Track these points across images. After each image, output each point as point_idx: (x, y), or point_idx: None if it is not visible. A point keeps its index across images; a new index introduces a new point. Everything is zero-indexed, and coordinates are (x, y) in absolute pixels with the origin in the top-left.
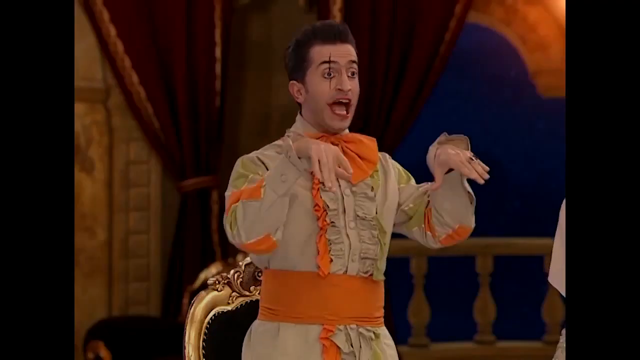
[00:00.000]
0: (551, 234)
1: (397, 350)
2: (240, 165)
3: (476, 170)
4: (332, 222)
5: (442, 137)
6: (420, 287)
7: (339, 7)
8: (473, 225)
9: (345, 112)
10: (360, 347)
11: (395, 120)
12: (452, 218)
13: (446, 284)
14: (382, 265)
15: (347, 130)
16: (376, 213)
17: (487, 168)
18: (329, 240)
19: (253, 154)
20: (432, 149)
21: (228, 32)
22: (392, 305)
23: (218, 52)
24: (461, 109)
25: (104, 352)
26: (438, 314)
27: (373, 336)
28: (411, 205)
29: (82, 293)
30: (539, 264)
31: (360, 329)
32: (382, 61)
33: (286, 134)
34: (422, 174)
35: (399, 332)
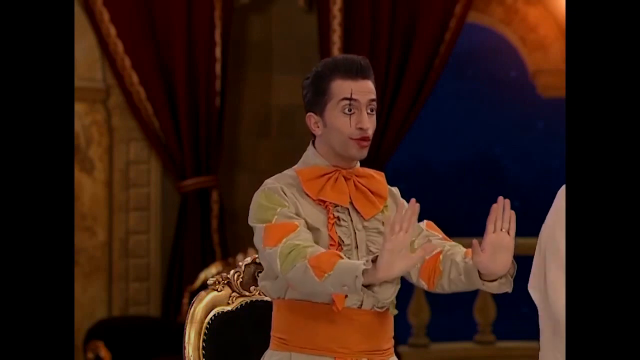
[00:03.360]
0: None
1: (397, 350)
2: (263, 197)
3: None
4: (347, 257)
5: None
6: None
7: (339, 7)
8: None
9: (367, 143)
10: None
11: (395, 120)
12: (457, 289)
13: None
14: (394, 297)
15: (357, 164)
16: None
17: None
18: None
19: (275, 185)
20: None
21: (228, 32)
22: None
23: (218, 52)
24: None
25: (104, 352)
26: (438, 314)
27: None
28: (415, 247)
29: (82, 293)
30: None
31: None
32: (382, 61)
33: (294, 168)
34: (421, 173)
35: (399, 332)
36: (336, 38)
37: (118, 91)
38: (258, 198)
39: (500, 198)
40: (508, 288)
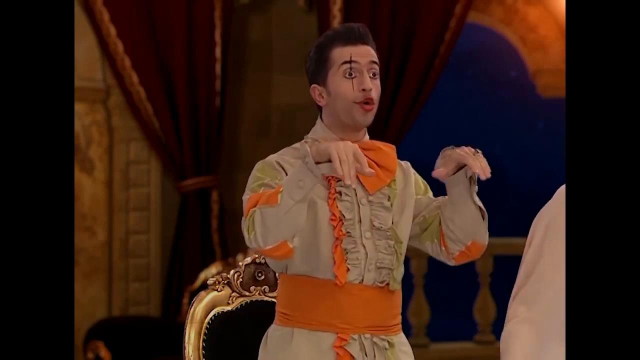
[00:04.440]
0: None
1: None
2: (258, 169)
3: (481, 164)
4: (348, 232)
5: (449, 148)
6: (420, 287)
7: (339, 7)
8: (486, 241)
9: (371, 107)
10: (375, 356)
11: (395, 120)
12: (463, 233)
13: (446, 284)
14: (399, 274)
15: (367, 137)
16: (392, 223)
17: (490, 168)
18: (345, 250)
19: (272, 158)
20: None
21: (228, 32)
22: None
23: (218, 52)
24: (461, 109)
25: (104, 352)
26: (438, 314)
27: (387, 345)
28: (426, 216)
29: (82, 293)
30: None
31: (375, 339)
32: (382, 61)
33: (304, 139)
34: (423, 174)
35: None
36: None
37: (118, 91)
38: (253, 170)
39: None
40: (473, 184)
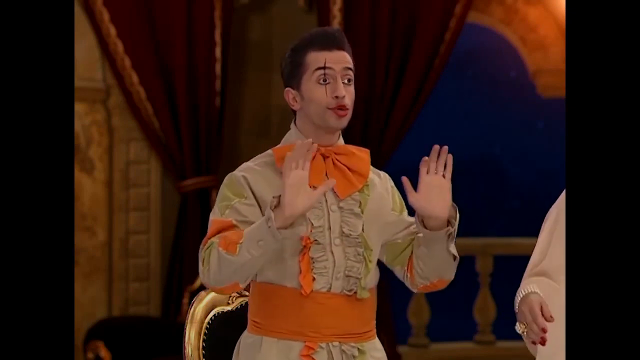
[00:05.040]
0: None
1: (397, 350)
2: (226, 184)
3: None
4: (316, 239)
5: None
6: None
7: (339, 7)
8: (453, 277)
9: (345, 113)
10: None
11: (395, 120)
12: (432, 274)
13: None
14: (368, 282)
15: (341, 141)
16: (363, 230)
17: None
18: (312, 259)
19: (240, 172)
20: None
21: (228, 32)
22: (392, 305)
23: (218, 52)
24: (461, 109)
25: (104, 352)
26: (438, 314)
27: (357, 352)
28: (399, 241)
29: (82, 293)
30: None
31: (344, 346)
32: (382, 61)
33: (272, 150)
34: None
35: (399, 332)
36: None
37: (118, 91)
38: (222, 184)
39: (436, 146)
40: (451, 240)
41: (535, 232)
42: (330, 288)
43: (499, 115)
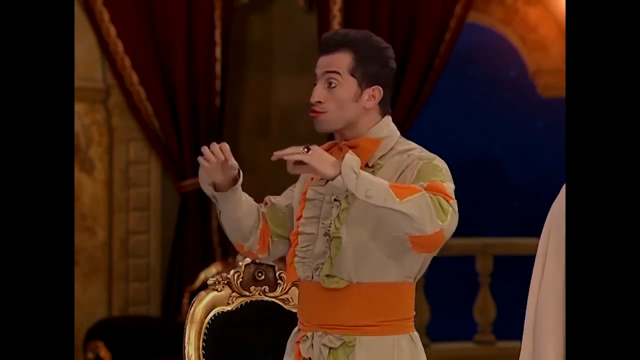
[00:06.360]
0: None
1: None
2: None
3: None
4: (303, 230)
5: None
6: (420, 287)
7: (339, 7)
8: (423, 231)
9: (316, 114)
10: (322, 354)
11: (395, 120)
12: (399, 232)
13: (446, 284)
14: (332, 270)
15: (370, 134)
16: (339, 219)
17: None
18: (297, 249)
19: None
20: None
21: (228, 32)
22: None
23: (218, 52)
24: (461, 109)
25: (104, 352)
26: (438, 314)
27: (337, 344)
28: None
29: (82, 293)
30: None
31: (328, 336)
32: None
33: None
34: None
35: None
36: None
37: (118, 91)
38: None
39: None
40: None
41: (535, 232)
42: (312, 277)
43: (499, 115)
